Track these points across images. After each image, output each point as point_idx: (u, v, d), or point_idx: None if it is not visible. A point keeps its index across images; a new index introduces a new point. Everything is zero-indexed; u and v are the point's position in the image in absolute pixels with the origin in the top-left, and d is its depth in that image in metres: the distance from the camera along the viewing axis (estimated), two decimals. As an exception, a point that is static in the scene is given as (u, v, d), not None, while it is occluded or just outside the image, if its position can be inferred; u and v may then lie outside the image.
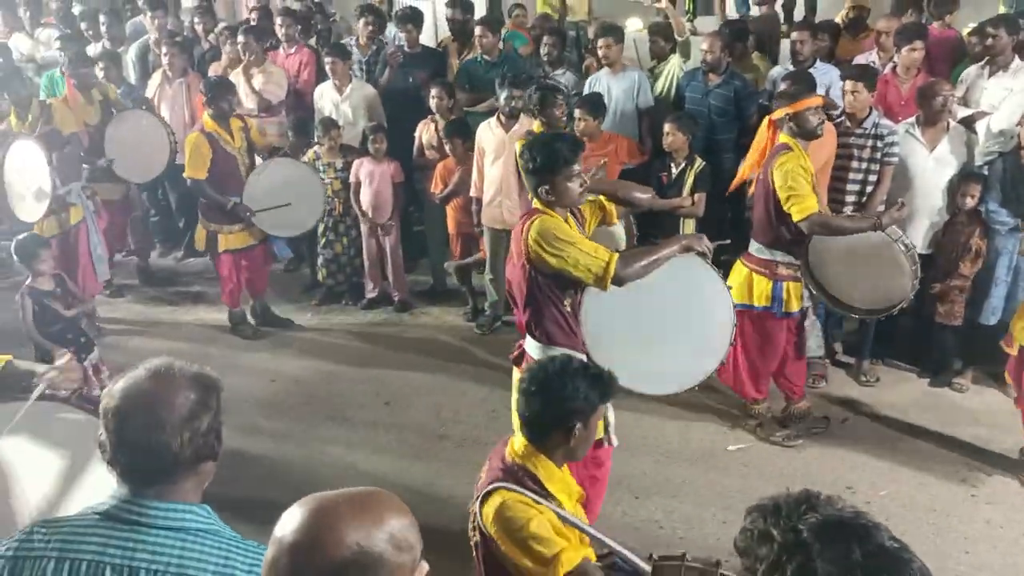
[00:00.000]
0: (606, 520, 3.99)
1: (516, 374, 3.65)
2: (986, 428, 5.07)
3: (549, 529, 2.38)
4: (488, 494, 2.43)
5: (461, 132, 6.31)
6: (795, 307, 4.72)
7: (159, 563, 1.71)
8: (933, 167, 5.27)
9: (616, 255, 3.36)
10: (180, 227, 8.04)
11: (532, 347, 3.60)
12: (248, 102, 7.08)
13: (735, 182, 5.15)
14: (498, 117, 6.00)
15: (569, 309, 3.53)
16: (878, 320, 5.38)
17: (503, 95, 5.85)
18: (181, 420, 1.76)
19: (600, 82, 6.49)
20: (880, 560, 1.17)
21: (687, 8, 8.90)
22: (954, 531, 4.19)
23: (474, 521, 2.50)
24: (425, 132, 6.66)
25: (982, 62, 5.90)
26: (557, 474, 2.53)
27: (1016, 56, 5.78)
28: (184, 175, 6.20)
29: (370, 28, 7.38)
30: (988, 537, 4.17)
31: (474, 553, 2.57)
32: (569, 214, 3.58)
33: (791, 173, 4.37)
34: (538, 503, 2.40)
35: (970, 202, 5.17)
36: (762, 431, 4.98)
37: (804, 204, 4.35)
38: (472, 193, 6.22)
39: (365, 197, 6.54)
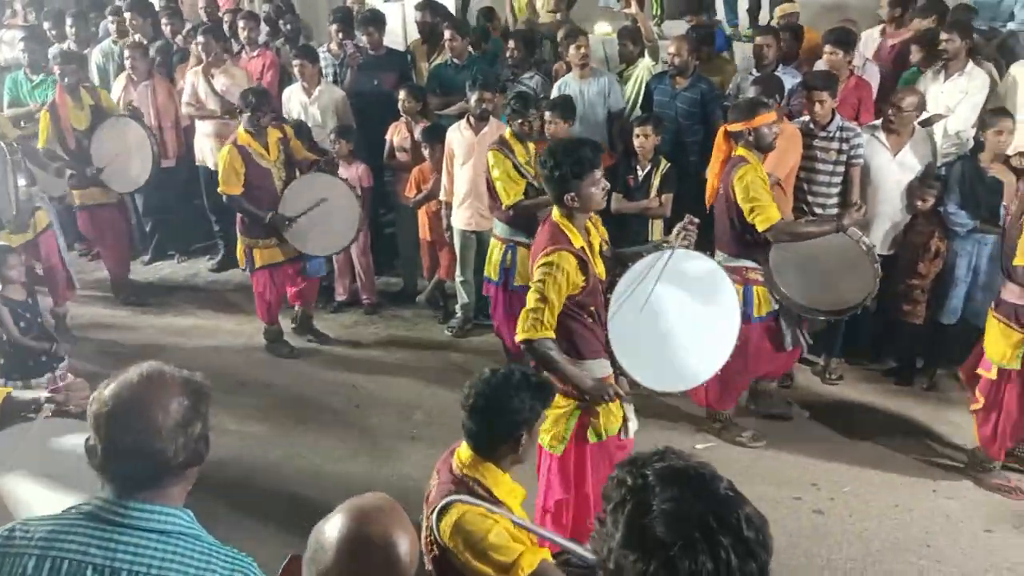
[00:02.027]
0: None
1: None
2: (947, 425, 5.19)
3: (507, 537, 2.44)
4: (444, 508, 2.48)
5: (439, 137, 6.31)
6: (764, 311, 4.79)
7: (140, 564, 1.72)
8: (897, 171, 5.37)
9: None
10: (147, 231, 7.99)
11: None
12: (209, 103, 7.05)
13: (709, 192, 5.21)
14: (468, 119, 6.02)
15: (591, 320, 3.59)
16: (845, 320, 5.50)
17: (473, 97, 5.87)
18: (176, 426, 1.76)
19: (569, 86, 6.53)
20: (709, 502, 1.28)
21: (654, 12, 8.96)
22: (915, 525, 4.28)
23: (429, 535, 2.54)
24: (396, 134, 6.67)
25: (937, 66, 6.03)
26: (504, 480, 2.59)
27: (969, 59, 5.91)
28: (219, 191, 5.94)
29: (340, 34, 7.39)
30: (948, 531, 4.27)
31: (428, 565, 2.60)
32: (589, 222, 3.64)
33: (751, 185, 4.49)
34: (492, 512, 2.46)
35: (922, 204, 5.28)
36: (727, 433, 5.05)
37: (767, 214, 4.46)
38: (442, 196, 6.23)
39: None
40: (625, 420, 3.70)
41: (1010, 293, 4.34)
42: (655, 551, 1.24)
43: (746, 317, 4.70)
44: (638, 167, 5.81)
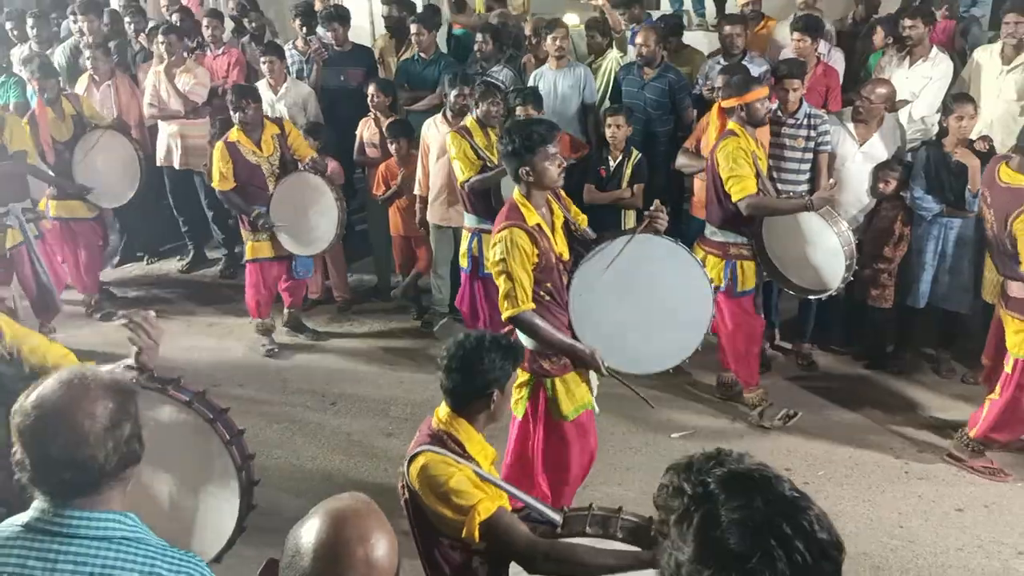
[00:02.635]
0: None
1: None
2: (918, 407, 5.26)
3: (468, 484, 2.59)
4: (414, 456, 2.65)
5: (405, 132, 6.29)
6: (750, 285, 4.89)
7: (82, 573, 1.69)
8: (861, 161, 5.42)
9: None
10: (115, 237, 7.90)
11: (522, 339, 3.67)
12: (172, 104, 6.97)
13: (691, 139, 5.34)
14: (444, 114, 5.99)
15: (548, 298, 3.63)
16: (816, 305, 5.57)
17: (452, 93, 5.81)
18: (103, 430, 1.73)
19: (545, 77, 6.52)
20: (779, 507, 1.25)
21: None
22: (888, 506, 4.34)
23: (403, 480, 2.72)
24: (366, 130, 6.64)
25: (902, 52, 6.10)
26: (476, 438, 2.76)
27: (933, 45, 5.98)
28: (212, 186, 5.99)
29: (304, 29, 7.33)
30: (920, 512, 4.33)
31: (404, 510, 2.76)
32: (552, 197, 3.70)
33: (732, 155, 4.64)
34: (458, 462, 2.63)
35: (884, 187, 5.34)
36: (767, 420, 5.07)
37: (742, 185, 4.60)
38: (416, 191, 6.21)
39: None
40: (592, 393, 3.82)
41: (1014, 289, 4.37)
42: (732, 564, 1.21)
43: (730, 292, 4.85)
44: (610, 158, 5.82)
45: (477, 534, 2.54)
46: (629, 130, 5.79)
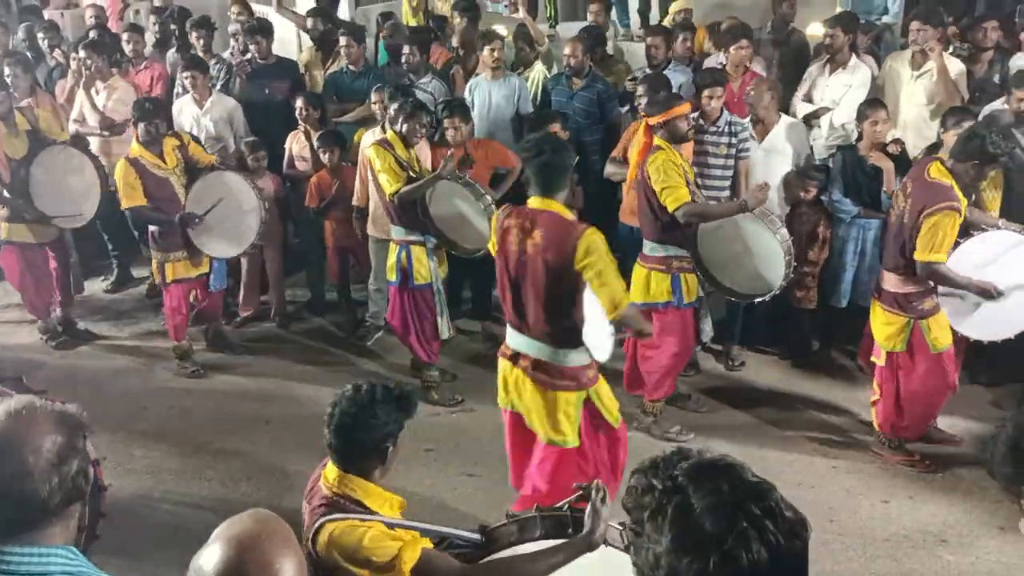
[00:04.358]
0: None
1: (525, 382, 3.84)
2: (844, 403, 5.42)
3: (383, 538, 2.48)
4: (318, 530, 2.50)
5: (337, 142, 6.25)
6: (693, 296, 4.97)
7: None
8: (763, 157, 5.59)
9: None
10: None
11: (551, 353, 3.77)
12: (90, 120, 6.80)
13: (628, 181, 5.39)
14: (383, 127, 5.97)
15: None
16: (743, 308, 5.71)
17: (393, 107, 5.79)
18: (49, 465, 1.67)
19: (480, 88, 6.54)
20: (746, 490, 1.31)
21: (548, 15, 9.07)
22: (818, 502, 4.46)
23: (311, 562, 2.52)
24: (295, 143, 6.58)
25: (823, 60, 6.30)
26: (375, 491, 2.62)
27: (853, 54, 6.19)
28: (122, 208, 5.87)
29: (202, 42, 7.24)
30: (848, 506, 4.47)
31: None
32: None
33: (662, 168, 4.71)
34: (365, 521, 2.50)
35: (805, 195, 5.52)
36: (656, 428, 5.14)
37: (676, 195, 4.67)
38: (355, 202, 6.17)
39: None
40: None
41: (889, 282, 4.57)
42: (711, 547, 1.25)
43: (677, 305, 4.91)
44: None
45: None
46: (566, 135, 5.84)
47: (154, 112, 5.73)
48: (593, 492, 2.57)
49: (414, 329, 5.51)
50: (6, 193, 6.05)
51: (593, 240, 3.58)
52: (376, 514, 2.56)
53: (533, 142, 3.84)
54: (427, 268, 5.43)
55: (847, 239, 5.51)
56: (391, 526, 2.53)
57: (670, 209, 4.69)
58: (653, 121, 4.87)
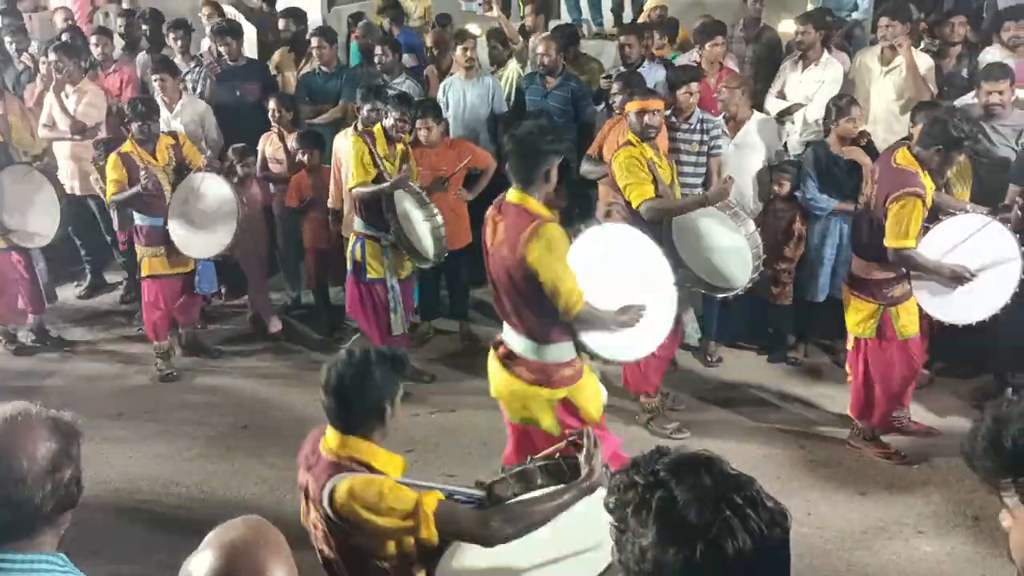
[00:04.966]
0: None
1: (499, 371, 3.79)
2: (820, 397, 5.47)
3: (400, 487, 2.52)
4: (334, 488, 2.51)
5: (316, 143, 6.22)
6: None
7: None
8: (733, 151, 5.63)
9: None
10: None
11: (524, 347, 3.72)
12: (60, 124, 6.72)
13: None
14: (355, 127, 5.95)
15: None
16: (720, 303, 5.73)
17: (366, 107, 5.75)
18: (43, 472, 1.67)
19: (454, 87, 6.53)
20: (727, 481, 1.34)
21: (522, 14, 9.07)
22: (797, 495, 4.48)
23: (322, 525, 2.56)
24: (268, 145, 6.54)
25: (795, 57, 6.35)
26: (379, 452, 2.64)
27: (825, 50, 6.24)
28: (106, 200, 5.95)
29: (179, 43, 7.19)
30: (827, 498, 4.50)
31: (322, 548, 2.64)
32: None
33: (624, 164, 4.74)
34: (376, 476, 2.55)
35: (779, 189, 5.56)
36: (655, 424, 5.15)
37: (640, 191, 4.68)
38: (330, 204, 6.15)
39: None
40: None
41: (859, 268, 4.63)
42: (695, 537, 1.28)
43: None
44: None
45: (434, 530, 2.49)
46: None
47: (147, 113, 5.77)
48: (585, 439, 2.64)
49: (371, 321, 5.56)
50: None
51: (546, 236, 3.46)
52: (383, 474, 2.57)
53: (512, 131, 3.73)
54: (380, 264, 5.46)
55: (825, 234, 5.55)
56: (400, 483, 2.56)
57: (633, 205, 4.71)
58: (628, 107, 4.91)
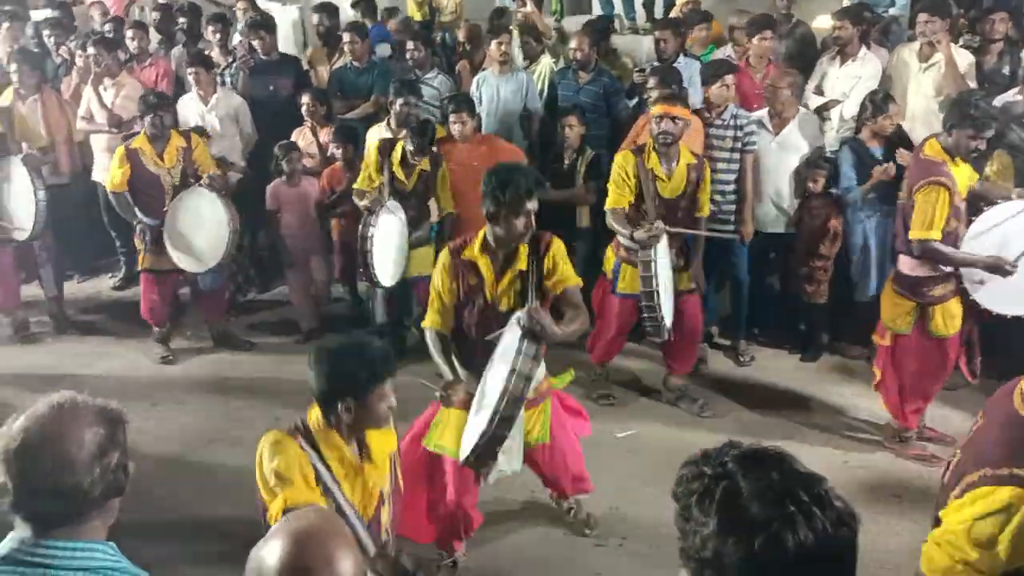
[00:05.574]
0: (507, 509, 4.06)
1: None
2: (855, 398, 5.40)
3: (290, 470, 2.51)
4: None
5: (351, 138, 6.25)
6: (628, 289, 4.98)
7: None
8: (776, 150, 5.58)
9: None
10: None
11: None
12: (98, 117, 6.80)
13: None
14: (388, 123, 5.95)
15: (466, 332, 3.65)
16: (751, 302, 5.69)
17: (398, 102, 5.77)
18: (91, 457, 1.70)
19: (488, 83, 6.51)
20: (795, 478, 1.34)
21: (554, 9, 9.04)
22: (831, 497, 4.43)
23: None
24: (301, 140, 6.56)
25: (832, 52, 6.27)
26: (336, 443, 2.66)
27: (863, 46, 6.16)
28: (108, 188, 6.03)
29: (218, 36, 7.22)
30: (861, 499, 4.41)
31: None
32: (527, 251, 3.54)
33: (614, 168, 4.91)
34: (303, 451, 2.57)
35: (814, 186, 5.50)
36: (684, 403, 5.27)
37: (611, 198, 4.89)
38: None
39: (289, 224, 6.29)
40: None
41: (904, 265, 4.55)
42: (756, 529, 1.28)
43: (612, 290, 5.08)
44: (565, 156, 5.89)
45: (277, 518, 2.45)
46: (582, 130, 5.86)
47: (159, 105, 5.80)
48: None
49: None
50: None
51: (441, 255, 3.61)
52: (324, 466, 2.60)
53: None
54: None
55: (872, 233, 5.49)
56: (319, 479, 2.56)
57: (606, 207, 4.91)
58: (650, 108, 4.99)
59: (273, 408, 5.19)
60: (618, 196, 4.84)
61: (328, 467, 2.62)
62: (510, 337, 3.20)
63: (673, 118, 4.74)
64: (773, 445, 1.42)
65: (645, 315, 4.64)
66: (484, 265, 3.54)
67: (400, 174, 5.47)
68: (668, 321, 4.68)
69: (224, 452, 5.03)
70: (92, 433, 1.71)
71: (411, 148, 5.42)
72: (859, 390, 5.45)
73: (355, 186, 5.49)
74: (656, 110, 4.82)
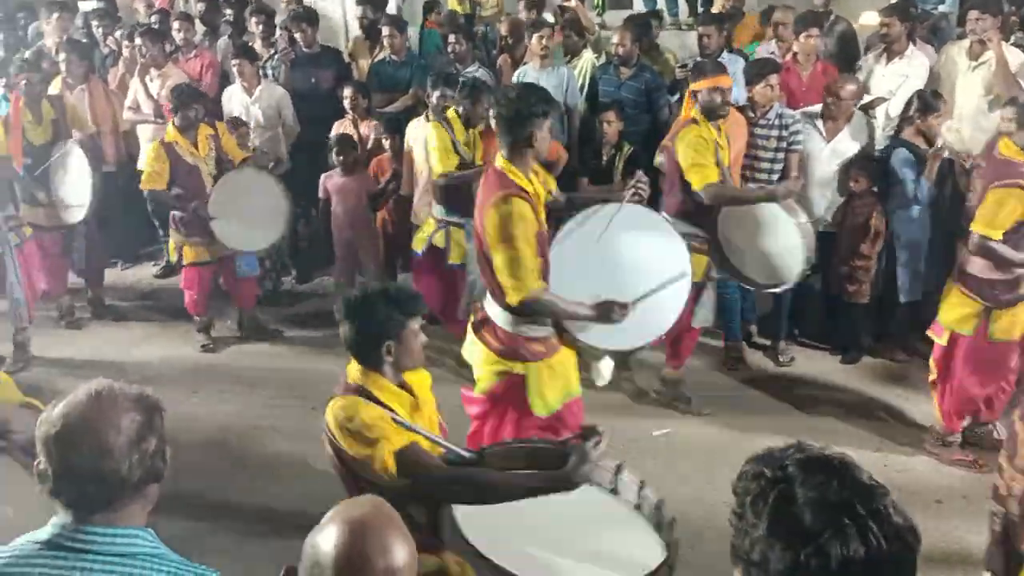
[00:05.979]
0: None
1: (475, 344, 3.71)
2: (896, 400, 5.33)
3: (380, 420, 2.59)
4: (329, 403, 2.70)
5: (398, 128, 6.28)
6: (696, 278, 4.77)
7: None
8: (829, 156, 5.50)
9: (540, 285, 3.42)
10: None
11: (502, 319, 3.60)
12: (144, 107, 6.90)
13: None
14: (426, 116, 5.98)
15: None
16: (791, 301, 5.62)
17: (435, 94, 5.78)
18: (128, 443, 1.72)
19: (528, 77, 6.47)
20: (856, 490, 1.29)
21: (596, 3, 9.00)
22: (870, 500, 4.38)
23: (326, 440, 2.71)
24: (342, 132, 6.61)
25: (879, 50, 6.17)
26: (389, 387, 2.75)
27: (910, 43, 6.06)
28: (141, 187, 6.03)
29: (261, 28, 7.29)
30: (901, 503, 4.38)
31: (332, 463, 2.76)
32: (534, 173, 3.56)
33: (692, 143, 4.63)
34: (371, 404, 2.64)
35: (855, 186, 5.42)
36: (684, 406, 5.21)
37: (703, 173, 4.58)
38: (403, 190, 6.22)
39: (337, 215, 6.35)
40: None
41: (975, 266, 4.44)
42: (805, 539, 1.25)
43: None
44: (602, 153, 5.87)
45: (391, 464, 2.53)
46: (621, 126, 5.84)
47: (191, 98, 5.86)
48: (593, 436, 2.62)
49: (439, 306, 5.64)
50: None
51: (503, 210, 3.31)
52: (388, 408, 2.66)
53: (497, 95, 3.62)
54: (463, 249, 5.48)
55: (921, 233, 5.43)
56: (397, 422, 2.62)
57: (695, 187, 4.60)
58: (695, 86, 4.81)
59: (311, 398, 5.22)
60: (708, 171, 4.57)
61: (393, 411, 2.69)
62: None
63: (723, 89, 4.71)
64: (840, 452, 1.38)
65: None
66: (533, 195, 3.48)
67: (466, 150, 5.46)
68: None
69: (262, 439, 5.10)
70: (129, 420, 1.74)
71: (464, 111, 5.41)
72: (900, 393, 5.39)
73: (438, 173, 5.40)
74: (704, 83, 4.71)
